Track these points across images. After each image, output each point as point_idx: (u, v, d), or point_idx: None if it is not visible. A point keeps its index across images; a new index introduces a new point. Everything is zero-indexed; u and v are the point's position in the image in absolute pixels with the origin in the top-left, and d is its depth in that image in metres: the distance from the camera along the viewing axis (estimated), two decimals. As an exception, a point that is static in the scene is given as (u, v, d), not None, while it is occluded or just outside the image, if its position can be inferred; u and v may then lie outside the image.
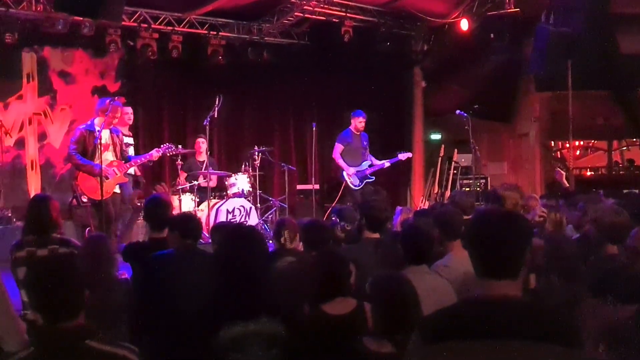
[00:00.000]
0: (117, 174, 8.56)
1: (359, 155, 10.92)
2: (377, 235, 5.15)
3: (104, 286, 3.93)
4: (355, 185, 10.78)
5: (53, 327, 2.51)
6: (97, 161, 8.10)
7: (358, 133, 10.86)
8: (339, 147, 10.91)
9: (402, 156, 11.18)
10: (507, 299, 2.26)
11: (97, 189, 8.10)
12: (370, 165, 10.94)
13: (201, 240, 9.42)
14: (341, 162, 10.85)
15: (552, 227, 5.13)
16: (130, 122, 9.97)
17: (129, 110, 9.89)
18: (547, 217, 5.30)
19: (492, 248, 2.31)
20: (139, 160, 9.01)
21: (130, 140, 9.77)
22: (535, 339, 2.12)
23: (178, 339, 3.64)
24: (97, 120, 8.41)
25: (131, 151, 9.56)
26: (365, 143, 10.96)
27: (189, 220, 4.83)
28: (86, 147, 8.32)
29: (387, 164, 11.07)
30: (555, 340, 2.12)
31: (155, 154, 9.03)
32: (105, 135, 8.44)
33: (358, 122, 10.80)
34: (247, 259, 3.35)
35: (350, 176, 10.81)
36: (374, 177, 11.00)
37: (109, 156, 8.50)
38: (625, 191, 10.66)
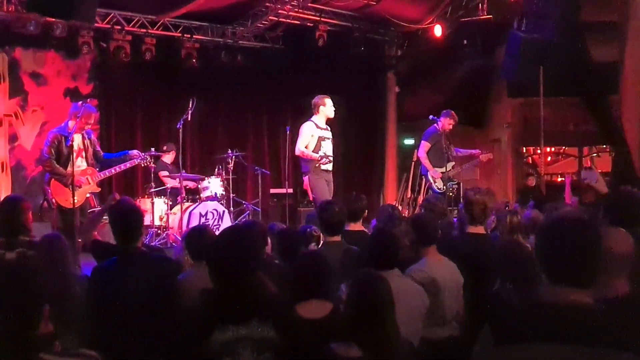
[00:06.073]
0: (89, 183, 8.40)
1: (444, 157, 10.03)
2: (337, 238, 5.16)
3: (60, 285, 3.84)
4: (438, 189, 10.10)
5: (6, 340, 2.44)
6: (69, 168, 7.87)
7: (444, 133, 10.05)
8: (425, 145, 10.16)
9: (484, 157, 10.61)
10: (579, 305, 2.23)
11: (67, 197, 7.94)
12: (453, 166, 10.24)
13: (174, 244, 9.50)
14: (427, 162, 10.15)
15: (506, 233, 5.12)
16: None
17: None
18: (499, 222, 5.31)
19: (566, 254, 2.29)
20: (113, 171, 8.83)
21: None
22: (608, 345, 2.07)
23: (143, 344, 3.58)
24: (71, 124, 8.13)
25: None
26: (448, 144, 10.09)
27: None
28: (60, 151, 8.09)
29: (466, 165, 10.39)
30: (630, 348, 2.08)
31: (128, 165, 8.86)
32: (77, 139, 8.24)
33: (448, 123, 10.00)
34: (238, 261, 3.23)
35: (435, 178, 10.13)
36: (457, 181, 10.36)
37: (80, 163, 8.29)
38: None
